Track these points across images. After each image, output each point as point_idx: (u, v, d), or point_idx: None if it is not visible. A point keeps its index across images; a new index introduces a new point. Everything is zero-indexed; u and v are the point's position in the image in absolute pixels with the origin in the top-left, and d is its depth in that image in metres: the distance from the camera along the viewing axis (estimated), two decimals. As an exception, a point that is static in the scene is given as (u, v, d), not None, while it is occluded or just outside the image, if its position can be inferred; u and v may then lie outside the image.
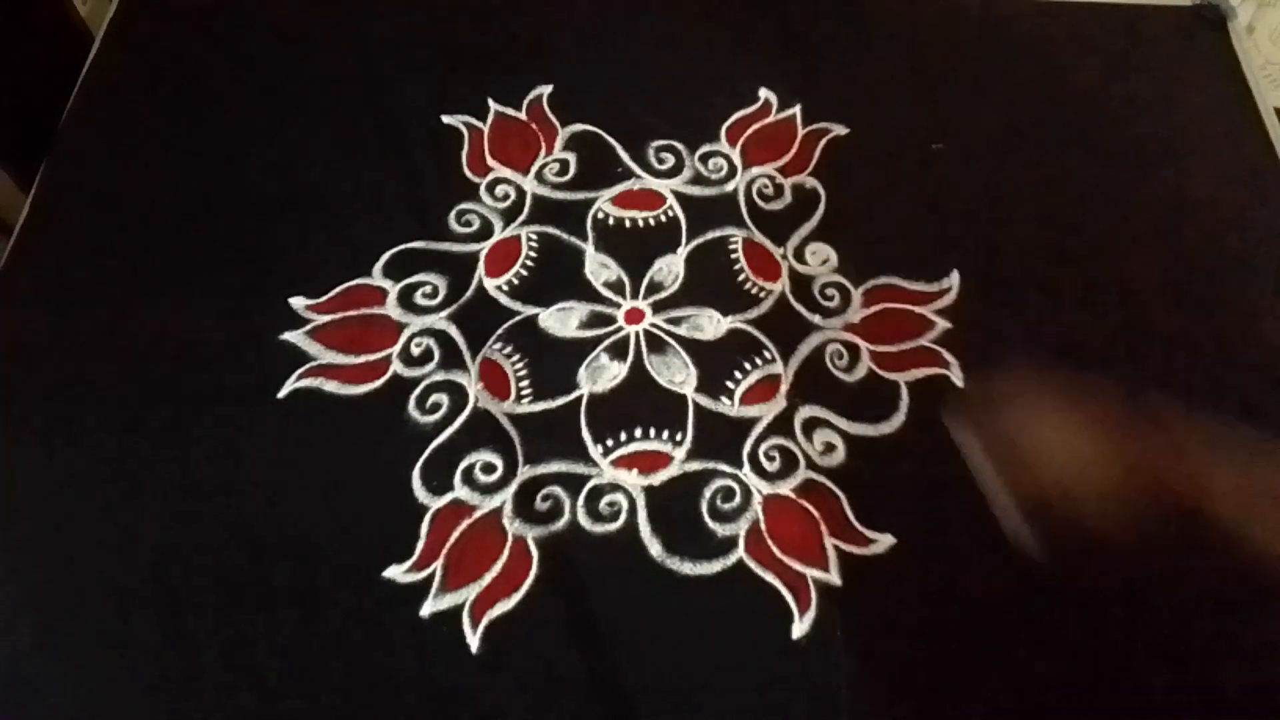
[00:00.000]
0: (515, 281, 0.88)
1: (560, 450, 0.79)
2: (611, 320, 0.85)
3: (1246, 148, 0.95)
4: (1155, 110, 0.98)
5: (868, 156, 0.95)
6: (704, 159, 0.94)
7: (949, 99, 0.98)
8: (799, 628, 0.71)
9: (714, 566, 0.74)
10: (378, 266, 0.88)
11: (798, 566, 0.74)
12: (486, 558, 0.74)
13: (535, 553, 0.74)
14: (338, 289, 0.86)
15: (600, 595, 0.73)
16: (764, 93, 0.99)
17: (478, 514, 0.76)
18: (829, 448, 0.79)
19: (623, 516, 0.76)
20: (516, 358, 0.83)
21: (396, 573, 0.74)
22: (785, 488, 0.77)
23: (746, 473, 0.78)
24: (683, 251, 0.89)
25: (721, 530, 0.75)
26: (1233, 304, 0.86)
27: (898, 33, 1.04)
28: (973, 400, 0.80)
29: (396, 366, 0.83)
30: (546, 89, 0.99)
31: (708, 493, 0.77)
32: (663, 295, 0.87)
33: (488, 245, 0.90)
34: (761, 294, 0.87)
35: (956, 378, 0.82)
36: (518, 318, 0.86)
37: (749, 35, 0.97)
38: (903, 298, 0.86)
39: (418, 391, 0.82)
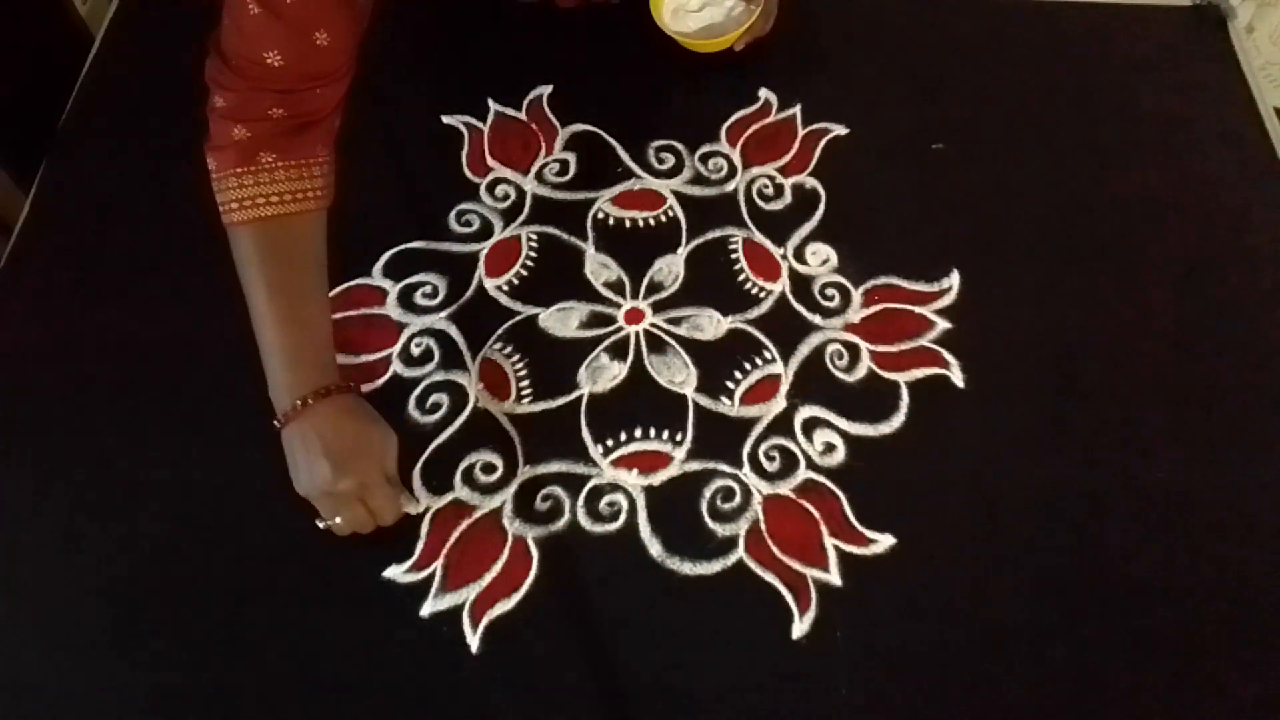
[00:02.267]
0: (515, 281, 0.88)
1: (560, 450, 0.79)
2: (611, 320, 0.85)
3: (1246, 148, 0.95)
4: (1155, 110, 0.98)
5: (868, 156, 0.95)
6: (704, 159, 0.94)
7: (949, 99, 0.98)
8: (799, 628, 0.71)
9: (714, 566, 0.74)
10: (378, 266, 0.88)
11: (798, 566, 0.74)
12: (486, 558, 0.74)
13: (535, 553, 0.75)
14: (338, 289, 0.86)
15: (600, 595, 0.73)
16: (764, 93, 0.99)
17: (478, 514, 0.76)
18: (829, 448, 0.79)
19: (623, 516, 0.76)
20: (516, 358, 0.83)
21: (396, 573, 0.74)
22: (785, 488, 0.77)
23: (746, 473, 0.78)
24: (683, 251, 0.89)
25: (721, 530, 0.75)
26: (1233, 303, 0.86)
27: (897, 33, 1.04)
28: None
29: (396, 366, 0.83)
30: (546, 89, 0.99)
31: (708, 493, 0.77)
32: (663, 295, 0.86)
33: (488, 245, 0.90)
34: (761, 294, 0.87)
35: (956, 378, 0.82)
36: (518, 318, 0.86)
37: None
38: (903, 298, 0.86)
39: (418, 391, 0.82)
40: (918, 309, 0.85)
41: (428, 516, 0.76)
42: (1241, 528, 0.75)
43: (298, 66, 0.72)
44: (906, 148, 0.95)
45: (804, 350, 0.83)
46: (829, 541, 0.75)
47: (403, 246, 0.89)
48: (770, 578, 0.73)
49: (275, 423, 0.73)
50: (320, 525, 0.73)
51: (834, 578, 0.73)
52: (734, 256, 0.89)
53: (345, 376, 0.77)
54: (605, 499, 0.77)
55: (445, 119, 0.97)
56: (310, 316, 0.75)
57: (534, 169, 0.94)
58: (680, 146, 0.95)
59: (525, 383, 0.82)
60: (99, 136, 0.97)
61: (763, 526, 0.75)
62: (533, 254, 0.89)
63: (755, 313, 0.85)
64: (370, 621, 0.72)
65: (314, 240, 0.77)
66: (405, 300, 0.86)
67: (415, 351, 0.84)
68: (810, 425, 0.80)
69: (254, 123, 0.73)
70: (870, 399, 0.81)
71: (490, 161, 0.94)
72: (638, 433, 0.79)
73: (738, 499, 0.76)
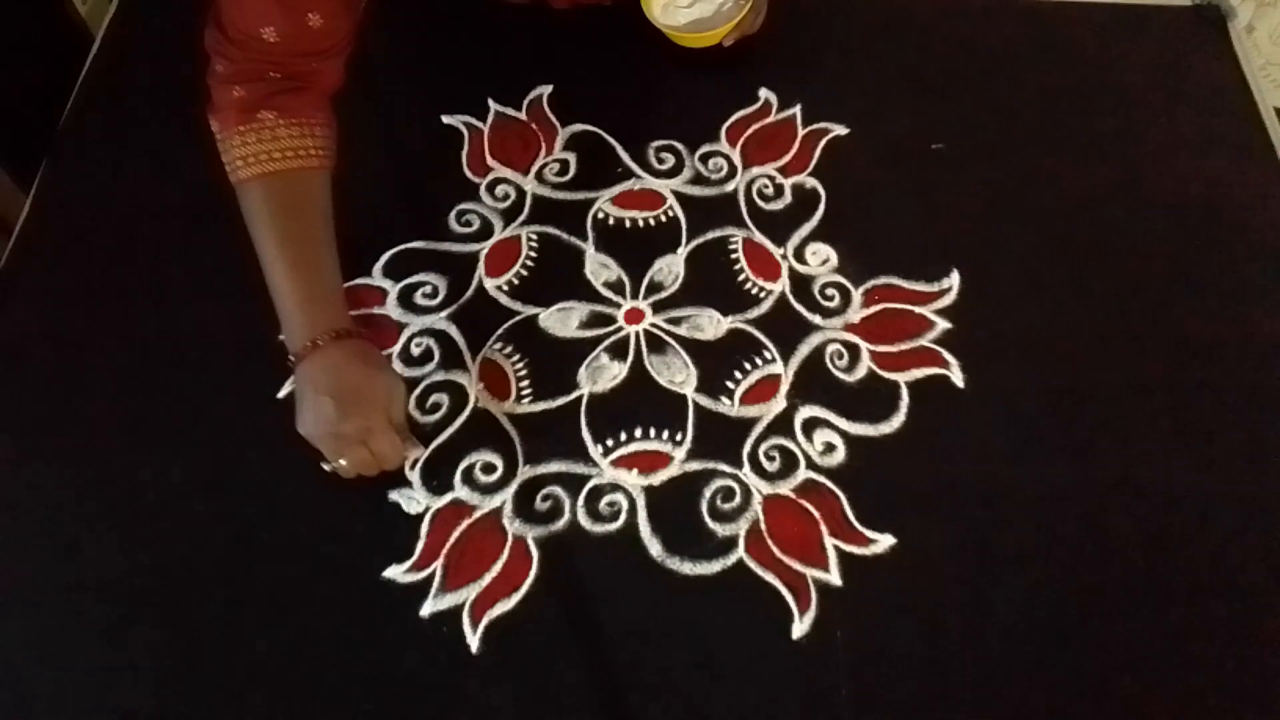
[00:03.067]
0: (515, 281, 0.88)
1: (560, 450, 0.79)
2: (611, 320, 0.85)
3: (1246, 148, 0.95)
4: (1155, 110, 0.98)
5: (868, 156, 0.95)
6: (704, 159, 0.94)
7: (949, 99, 0.98)
8: (799, 628, 0.71)
9: (714, 566, 0.74)
10: (378, 266, 0.88)
11: (798, 566, 0.74)
12: (486, 558, 0.74)
13: (535, 553, 0.74)
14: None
15: (600, 595, 0.73)
16: (764, 93, 0.99)
17: (478, 514, 0.76)
18: (829, 448, 0.79)
19: (623, 516, 0.76)
20: (516, 358, 0.83)
21: (396, 573, 0.74)
22: (785, 488, 0.77)
23: (746, 473, 0.78)
24: (683, 251, 0.89)
25: (721, 530, 0.75)
26: (1233, 303, 0.86)
27: (897, 33, 1.04)
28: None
29: (396, 366, 0.83)
30: (546, 89, 0.99)
31: (708, 493, 0.77)
32: (663, 295, 0.86)
33: (488, 245, 0.90)
34: (761, 294, 0.87)
35: (956, 378, 0.82)
36: (518, 318, 0.86)
37: (749, 35, 0.97)
38: (903, 298, 0.86)
39: (418, 391, 0.82)
40: (918, 309, 0.85)
41: (428, 516, 0.76)
42: (1241, 528, 0.75)
43: (292, 44, 0.75)
44: (906, 148, 0.95)
45: (804, 350, 0.83)
46: (829, 541, 0.75)
47: (403, 246, 0.89)
48: (770, 578, 0.73)
49: (289, 361, 0.75)
50: (326, 468, 0.74)
51: (834, 578, 0.73)
52: (734, 256, 0.89)
53: (359, 325, 0.79)
54: (605, 499, 0.77)
55: (445, 119, 0.97)
56: (320, 263, 0.77)
57: (534, 169, 0.94)
58: (680, 146, 0.95)
59: (525, 383, 0.82)
60: (99, 136, 0.97)
61: (763, 526, 0.75)
62: (533, 254, 0.89)
63: (755, 313, 0.85)
64: (370, 621, 0.72)
65: (320, 196, 0.79)
66: (405, 300, 0.86)
67: (415, 351, 0.84)
68: (810, 425, 0.80)
69: (252, 83, 0.76)
70: (870, 399, 0.81)
71: (490, 161, 0.94)
72: (638, 433, 0.79)
73: (738, 499, 0.76)
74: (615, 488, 0.77)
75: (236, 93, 0.75)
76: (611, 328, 0.85)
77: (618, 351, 0.84)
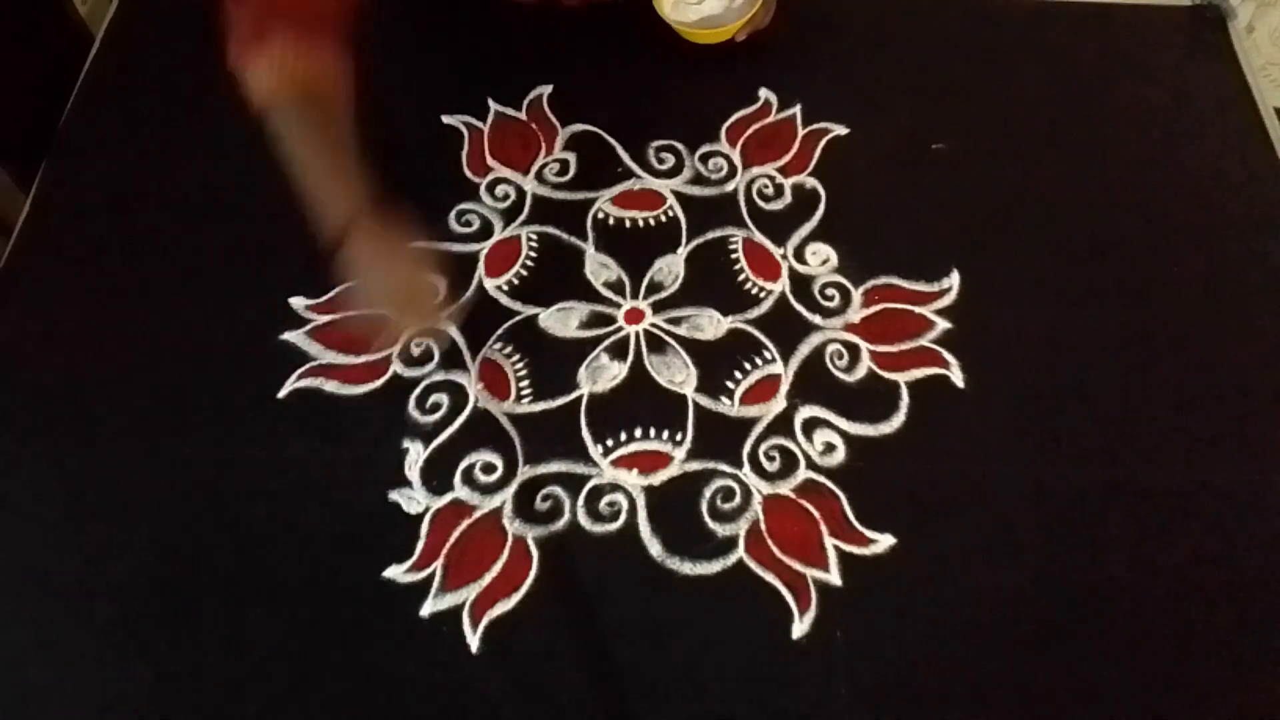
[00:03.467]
0: (515, 281, 0.88)
1: (560, 450, 0.79)
2: (611, 320, 0.85)
3: (1246, 148, 0.95)
4: (1155, 110, 0.98)
5: (868, 156, 0.95)
6: (704, 159, 0.94)
7: (949, 99, 0.98)
8: (799, 628, 0.71)
9: (714, 566, 0.74)
10: (378, 266, 0.88)
11: (798, 566, 0.74)
12: (486, 558, 0.74)
13: (535, 553, 0.74)
14: (338, 289, 0.86)
15: (600, 595, 0.73)
16: (764, 93, 0.99)
17: (478, 514, 0.76)
18: (829, 448, 0.79)
19: (623, 516, 0.76)
20: (516, 358, 0.84)
21: (396, 573, 0.74)
22: (785, 488, 0.77)
23: (746, 473, 0.78)
24: (683, 251, 0.89)
25: (721, 530, 0.75)
26: (1233, 302, 0.86)
27: (897, 33, 1.04)
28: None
29: (396, 366, 0.83)
30: (546, 89, 0.99)
31: (708, 493, 0.77)
32: (663, 295, 0.86)
33: (488, 245, 0.90)
34: (761, 294, 0.87)
35: (956, 378, 0.82)
36: (518, 318, 0.86)
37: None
38: (903, 298, 0.86)
39: (418, 391, 0.82)
40: (918, 309, 0.85)
41: (428, 516, 0.76)
42: (1241, 528, 0.75)
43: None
44: (906, 148, 0.95)
45: (804, 350, 0.83)
46: (829, 541, 0.75)
47: (403, 246, 0.89)
48: (770, 578, 0.73)
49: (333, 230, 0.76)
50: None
51: (834, 578, 0.73)
52: (734, 256, 0.89)
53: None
54: (605, 499, 0.77)
55: (445, 119, 0.97)
56: (353, 171, 0.77)
57: (534, 169, 0.94)
58: (680, 146, 0.95)
59: (525, 383, 0.82)
60: (99, 136, 0.97)
61: (763, 526, 0.75)
62: (533, 254, 0.89)
63: (755, 313, 0.85)
64: (370, 621, 0.72)
65: (345, 117, 0.78)
66: (405, 300, 0.86)
67: (415, 351, 0.84)
68: (810, 425, 0.80)
69: (268, 19, 0.75)
70: (870, 399, 0.81)
71: (490, 161, 0.94)
72: (638, 433, 0.79)
73: (738, 499, 0.76)
74: (615, 488, 0.77)
75: (254, 28, 0.75)
76: (611, 328, 0.85)
77: (618, 351, 0.84)
